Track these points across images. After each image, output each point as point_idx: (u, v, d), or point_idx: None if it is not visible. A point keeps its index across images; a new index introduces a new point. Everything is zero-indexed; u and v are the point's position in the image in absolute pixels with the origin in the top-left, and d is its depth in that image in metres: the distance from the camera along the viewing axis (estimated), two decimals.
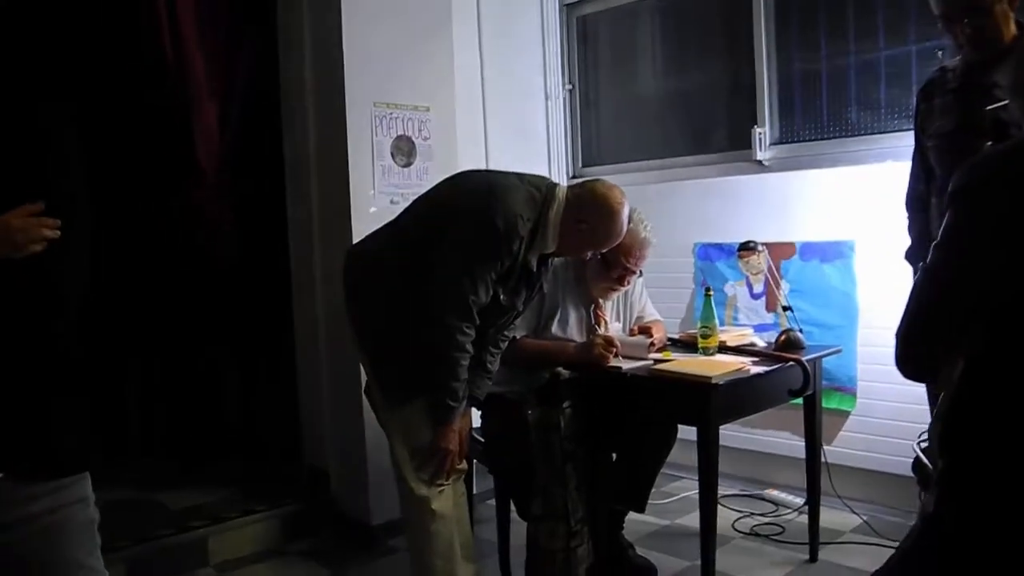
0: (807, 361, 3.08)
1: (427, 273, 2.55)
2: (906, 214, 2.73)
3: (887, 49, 3.87)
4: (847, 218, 3.84)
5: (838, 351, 3.39)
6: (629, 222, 2.98)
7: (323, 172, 3.83)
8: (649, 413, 2.98)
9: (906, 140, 3.71)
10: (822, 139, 4.05)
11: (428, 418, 2.61)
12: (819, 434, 3.35)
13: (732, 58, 4.41)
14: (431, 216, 2.64)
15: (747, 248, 3.38)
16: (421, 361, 2.57)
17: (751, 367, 2.83)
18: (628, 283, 3.19)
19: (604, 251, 2.87)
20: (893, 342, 1.56)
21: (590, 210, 2.65)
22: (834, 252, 3.87)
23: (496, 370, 2.89)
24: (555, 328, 3.16)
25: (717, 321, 3.18)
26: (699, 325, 3.17)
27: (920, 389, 3.63)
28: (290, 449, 4.15)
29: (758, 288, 4.12)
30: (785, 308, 3.35)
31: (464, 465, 2.80)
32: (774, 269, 3.98)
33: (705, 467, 2.76)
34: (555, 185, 2.69)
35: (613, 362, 2.99)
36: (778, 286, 4.03)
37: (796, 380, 3.11)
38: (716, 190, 4.29)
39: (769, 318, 4.08)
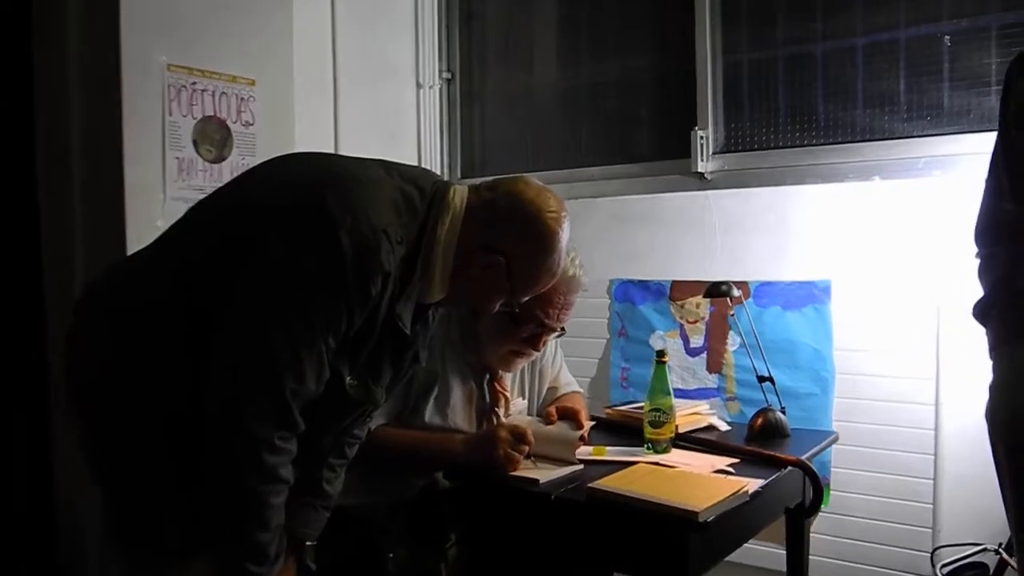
0: (805, 459, 2.08)
1: (211, 339, 1.39)
2: (976, 249, 1.75)
3: (866, 35, 2.95)
4: (820, 251, 2.91)
5: (835, 439, 2.40)
6: None
7: (91, 166, 2.60)
8: (583, 556, 1.88)
9: (897, 150, 2.85)
10: (783, 147, 3.10)
11: None
12: (807, 550, 2.36)
13: (664, 40, 3.41)
14: (226, 230, 1.48)
15: (719, 293, 2.36)
16: (199, 498, 1.41)
17: (749, 483, 1.79)
18: (544, 345, 2.13)
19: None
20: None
21: (511, 229, 1.56)
22: (802, 296, 2.91)
23: (338, 490, 1.77)
24: (430, 412, 2.07)
25: (673, 399, 2.14)
26: (647, 405, 2.13)
27: (917, 483, 2.72)
28: (40, 545, 2.85)
29: (696, 341, 3.13)
30: (762, 379, 2.35)
31: None
32: (723, 317, 3.00)
33: None
34: (448, 185, 1.58)
35: (522, 468, 1.91)
36: (725, 339, 3.05)
37: (793, 488, 2.12)
38: (641, 211, 3.29)
39: (711, 381, 3.08)
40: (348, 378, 1.46)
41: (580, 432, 2.03)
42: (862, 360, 2.81)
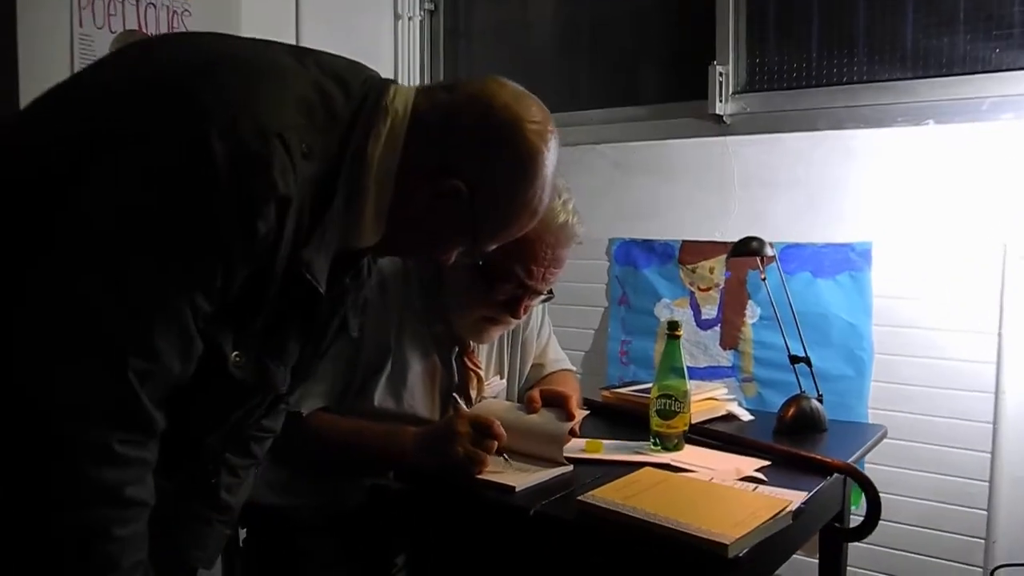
0: (853, 462, 1.64)
1: (23, 295, 0.94)
2: None
3: None
4: (859, 209, 2.47)
5: (883, 435, 1.96)
6: None
7: None
8: None
9: (957, 88, 2.41)
10: (817, 86, 2.64)
11: None
12: (844, 561, 1.93)
13: None
14: (61, 136, 1.01)
15: (749, 251, 1.90)
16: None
17: (791, 499, 1.35)
18: (526, 311, 1.67)
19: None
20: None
21: (477, 145, 1.09)
22: (837, 261, 2.48)
23: (242, 500, 1.33)
24: (381, 394, 1.65)
25: (688, 384, 1.69)
26: (655, 390, 1.68)
27: (970, 486, 2.30)
28: None
29: (709, 312, 2.68)
30: (796, 360, 1.91)
31: None
32: (742, 284, 2.57)
33: None
34: (386, 83, 1.11)
35: (492, 470, 1.47)
36: (743, 310, 2.61)
37: (833, 499, 1.70)
38: (648, 161, 2.84)
39: (725, 359, 2.65)
40: (234, 355, 1.01)
41: (570, 424, 1.58)
42: (907, 338, 2.38)
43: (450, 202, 1.07)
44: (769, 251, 1.87)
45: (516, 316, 1.62)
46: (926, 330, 2.34)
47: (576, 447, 1.64)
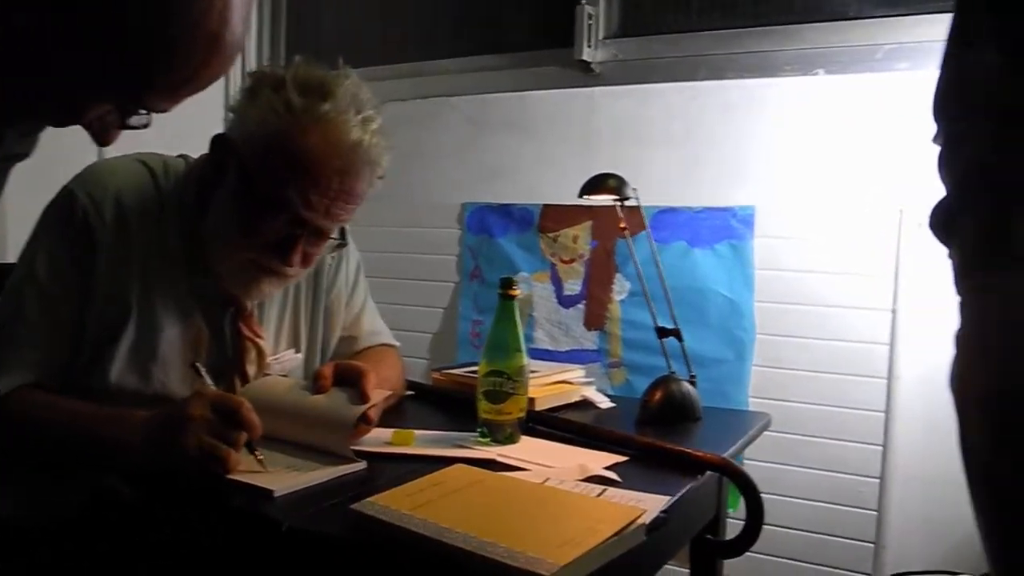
0: (730, 456, 1.30)
1: None
2: (936, 127, 0.95)
3: None
4: (741, 169, 2.17)
5: (766, 424, 1.63)
6: (326, 94, 1.15)
7: None
8: None
9: (849, 34, 2.14)
10: (697, 31, 2.33)
11: None
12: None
13: None
14: None
15: (606, 188, 1.54)
16: None
17: (644, 507, 0.99)
18: (310, 259, 1.27)
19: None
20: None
21: None
22: (715, 228, 2.18)
23: None
24: (120, 368, 1.25)
25: (525, 355, 1.33)
26: (483, 367, 1.31)
27: (860, 484, 2.02)
28: None
29: (572, 287, 2.34)
30: (664, 332, 1.57)
31: None
32: (609, 255, 2.24)
33: None
34: None
35: (245, 470, 1.07)
36: (610, 283, 2.29)
37: (705, 504, 1.36)
38: (506, 115, 2.50)
39: (590, 341, 2.30)
40: None
41: (361, 408, 1.19)
42: (792, 316, 2.10)
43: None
44: (631, 192, 1.53)
45: (289, 264, 1.22)
46: (814, 307, 2.07)
47: (379, 439, 1.26)
